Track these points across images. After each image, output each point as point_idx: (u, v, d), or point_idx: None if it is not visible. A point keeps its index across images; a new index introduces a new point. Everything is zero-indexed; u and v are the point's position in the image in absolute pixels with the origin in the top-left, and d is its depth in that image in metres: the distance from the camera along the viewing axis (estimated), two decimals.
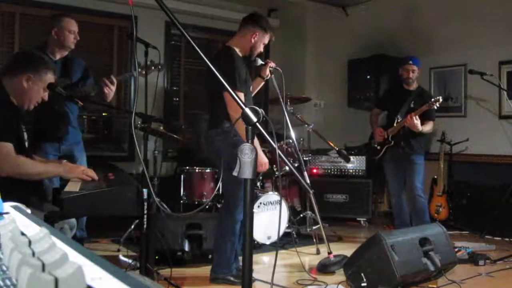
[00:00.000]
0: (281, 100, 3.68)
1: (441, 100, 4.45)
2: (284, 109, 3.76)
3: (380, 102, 5.27)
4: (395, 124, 4.73)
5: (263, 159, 3.31)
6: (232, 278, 3.35)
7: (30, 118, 3.42)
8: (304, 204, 4.99)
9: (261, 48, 3.55)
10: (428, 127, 4.63)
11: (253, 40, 3.47)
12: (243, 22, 3.55)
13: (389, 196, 5.17)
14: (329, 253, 3.89)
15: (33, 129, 3.48)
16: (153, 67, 3.71)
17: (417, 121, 4.44)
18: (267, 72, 3.71)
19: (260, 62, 3.66)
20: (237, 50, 3.46)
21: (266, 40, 3.54)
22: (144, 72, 3.49)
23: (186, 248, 3.83)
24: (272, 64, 3.70)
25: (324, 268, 3.78)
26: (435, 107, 4.47)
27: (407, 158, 4.71)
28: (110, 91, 3.62)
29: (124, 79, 3.71)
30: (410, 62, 4.71)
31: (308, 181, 4.07)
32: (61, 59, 3.69)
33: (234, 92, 3.14)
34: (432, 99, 4.47)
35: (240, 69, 3.31)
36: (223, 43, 6.73)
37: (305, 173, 4.10)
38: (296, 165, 4.47)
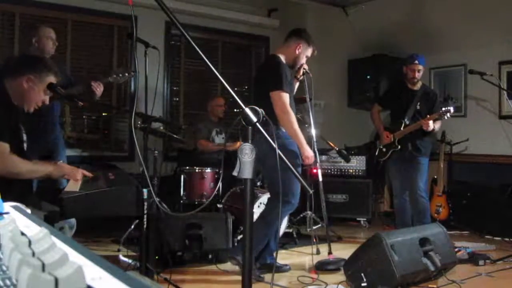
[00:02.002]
0: (308, 102, 3.94)
1: (452, 110, 4.40)
2: (311, 111, 4.01)
3: (382, 100, 5.15)
4: (402, 128, 4.67)
5: (309, 152, 3.55)
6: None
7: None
8: (304, 204, 4.99)
9: (303, 60, 3.82)
10: (438, 125, 4.63)
11: (297, 52, 3.74)
12: (289, 35, 3.82)
13: (392, 196, 5.16)
14: (329, 253, 3.89)
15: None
16: (126, 74, 3.88)
17: (431, 123, 4.47)
18: (301, 73, 3.92)
19: None
20: (282, 58, 3.70)
21: (309, 53, 3.81)
22: (118, 78, 3.76)
23: (186, 248, 3.83)
24: (306, 67, 3.90)
25: (321, 266, 3.78)
26: (446, 118, 4.45)
27: (412, 159, 4.67)
28: (97, 92, 3.84)
29: (115, 81, 3.85)
30: (416, 62, 4.64)
31: (321, 179, 4.10)
32: None
33: (281, 93, 3.47)
34: (444, 109, 4.41)
35: (286, 72, 3.60)
36: (223, 43, 6.83)
37: (319, 171, 4.13)
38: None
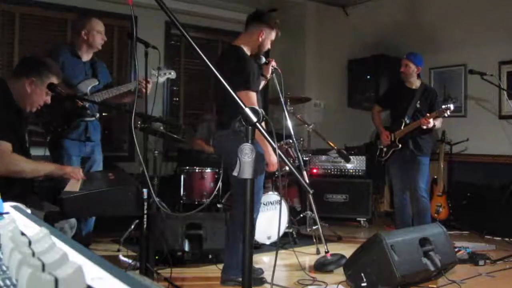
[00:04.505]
0: (281, 100, 3.68)
1: (452, 108, 4.39)
2: (285, 108, 3.77)
3: (382, 100, 5.14)
4: (402, 127, 4.66)
5: (274, 159, 3.23)
6: None
7: (56, 117, 3.53)
8: (304, 204, 5.00)
9: (268, 45, 3.54)
10: (438, 121, 4.61)
11: (260, 39, 3.45)
12: (249, 21, 3.51)
13: (393, 196, 5.16)
14: (326, 252, 3.89)
15: (58, 128, 3.59)
16: (165, 74, 3.85)
17: (431, 121, 4.46)
18: (269, 71, 3.69)
19: (264, 60, 3.64)
20: (245, 49, 3.42)
21: (273, 37, 3.52)
22: (156, 76, 3.68)
23: (186, 248, 3.83)
24: (274, 64, 3.68)
25: (321, 266, 3.78)
26: (446, 116, 4.45)
27: (414, 159, 4.65)
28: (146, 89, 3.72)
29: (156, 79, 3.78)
30: (404, 56, 4.70)
31: (307, 181, 4.07)
32: (89, 61, 3.82)
33: (249, 93, 3.22)
34: (443, 106, 4.41)
35: (253, 68, 3.30)
36: (223, 43, 6.83)
37: (305, 173, 4.10)
38: (296, 165, 4.46)
